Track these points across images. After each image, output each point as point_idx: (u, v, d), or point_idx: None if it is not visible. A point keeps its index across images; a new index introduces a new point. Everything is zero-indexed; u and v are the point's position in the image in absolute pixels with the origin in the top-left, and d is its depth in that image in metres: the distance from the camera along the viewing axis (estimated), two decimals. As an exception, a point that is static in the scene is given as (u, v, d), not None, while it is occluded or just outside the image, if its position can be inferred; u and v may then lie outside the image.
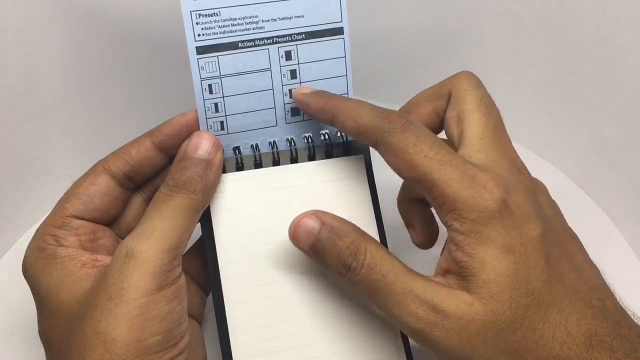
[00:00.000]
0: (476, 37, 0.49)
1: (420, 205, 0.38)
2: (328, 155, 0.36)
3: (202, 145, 0.33)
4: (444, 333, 0.28)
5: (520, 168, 0.32)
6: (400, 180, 0.38)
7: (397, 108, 0.56)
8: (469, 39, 0.50)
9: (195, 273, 0.36)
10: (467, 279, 0.29)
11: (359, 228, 0.32)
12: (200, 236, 0.35)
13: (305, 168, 0.35)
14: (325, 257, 0.31)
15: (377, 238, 0.35)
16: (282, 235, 0.34)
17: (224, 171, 0.34)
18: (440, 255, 0.31)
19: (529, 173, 0.33)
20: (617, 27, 0.42)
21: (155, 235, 0.30)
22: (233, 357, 0.33)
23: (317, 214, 0.32)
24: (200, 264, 0.36)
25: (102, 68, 0.46)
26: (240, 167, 0.35)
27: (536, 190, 0.32)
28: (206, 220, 0.34)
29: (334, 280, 0.34)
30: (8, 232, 0.44)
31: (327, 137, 0.36)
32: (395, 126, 0.30)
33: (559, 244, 0.31)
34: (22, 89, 0.42)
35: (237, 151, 0.35)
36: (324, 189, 0.35)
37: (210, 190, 0.33)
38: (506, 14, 0.47)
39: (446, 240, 0.30)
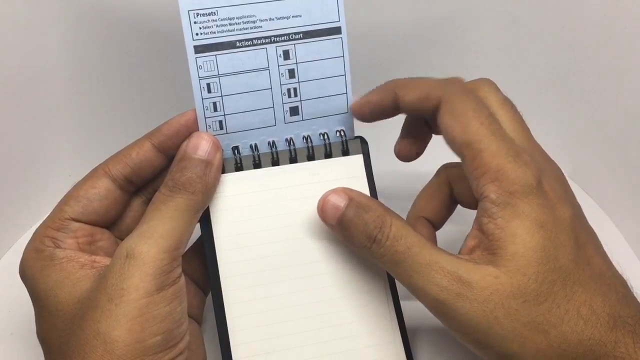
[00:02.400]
0: (476, 37, 0.49)
1: (425, 127, 0.36)
2: (327, 155, 0.36)
3: (201, 145, 0.33)
4: (468, 304, 0.28)
5: (550, 160, 0.33)
6: (400, 183, 0.38)
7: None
8: (469, 39, 0.50)
9: (194, 273, 0.36)
10: (495, 252, 0.29)
11: (384, 205, 0.32)
12: (200, 237, 0.35)
13: (305, 168, 0.35)
14: (351, 231, 0.32)
15: None
16: (282, 235, 0.34)
17: (223, 171, 0.34)
18: (467, 236, 0.31)
19: (558, 166, 0.34)
20: (617, 27, 0.42)
21: (155, 236, 0.30)
22: (233, 357, 0.33)
23: (345, 190, 0.33)
24: (199, 265, 0.36)
25: (102, 68, 0.46)
26: (239, 168, 0.35)
27: (565, 180, 0.33)
28: (205, 220, 0.34)
29: (333, 281, 0.34)
30: (8, 232, 0.44)
31: (326, 137, 0.36)
32: (459, 88, 0.32)
33: (586, 230, 0.31)
34: (22, 89, 0.42)
35: (236, 151, 0.35)
36: (323, 189, 0.35)
37: (209, 190, 0.33)
38: (506, 14, 0.47)
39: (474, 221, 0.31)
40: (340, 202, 0.32)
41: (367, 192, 0.36)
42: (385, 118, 0.35)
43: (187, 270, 0.34)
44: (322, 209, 0.33)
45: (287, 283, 0.34)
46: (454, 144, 0.31)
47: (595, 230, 0.32)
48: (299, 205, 0.35)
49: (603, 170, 0.46)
